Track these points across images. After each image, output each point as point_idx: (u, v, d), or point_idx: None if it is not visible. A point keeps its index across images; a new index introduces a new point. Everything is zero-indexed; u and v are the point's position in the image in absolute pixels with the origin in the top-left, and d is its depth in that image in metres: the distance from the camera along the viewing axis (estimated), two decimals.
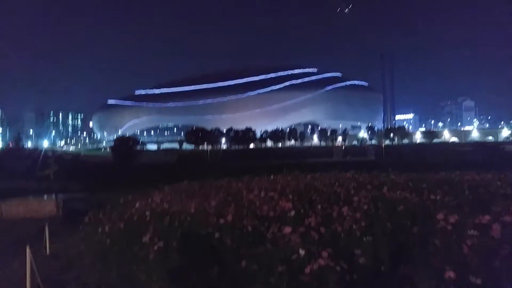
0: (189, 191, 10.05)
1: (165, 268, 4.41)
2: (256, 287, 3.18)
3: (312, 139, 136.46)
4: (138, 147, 61.98)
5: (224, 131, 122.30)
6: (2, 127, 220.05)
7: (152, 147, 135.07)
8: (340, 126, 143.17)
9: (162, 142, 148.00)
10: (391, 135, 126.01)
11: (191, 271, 4.18)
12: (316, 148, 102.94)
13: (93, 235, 7.07)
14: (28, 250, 5.78)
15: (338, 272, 3.04)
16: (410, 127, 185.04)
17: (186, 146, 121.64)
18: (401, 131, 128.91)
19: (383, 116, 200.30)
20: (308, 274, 2.95)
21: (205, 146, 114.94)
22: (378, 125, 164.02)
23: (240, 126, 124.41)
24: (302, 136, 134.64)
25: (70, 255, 7.45)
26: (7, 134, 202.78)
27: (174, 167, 44.14)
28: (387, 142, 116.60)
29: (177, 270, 4.33)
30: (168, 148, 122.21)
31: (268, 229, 4.34)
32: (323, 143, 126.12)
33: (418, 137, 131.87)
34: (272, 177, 12.76)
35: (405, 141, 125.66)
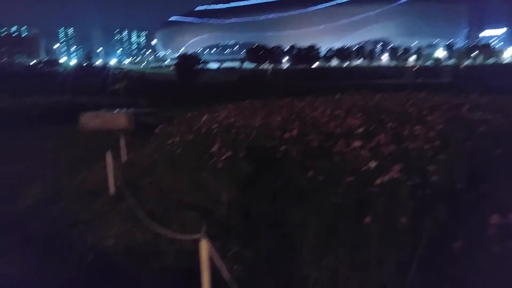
0: (252, 108, 10.23)
1: (232, 176, 4.71)
2: (322, 195, 3.29)
3: (381, 58, 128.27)
4: (200, 66, 62.93)
5: (286, 49, 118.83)
6: (74, 45, 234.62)
7: (213, 65, 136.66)
8: (415, 44, 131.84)
9: (223, 61, 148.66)
10: (474, 54, 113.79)
11: (258, 179, 4.42)
12: (385, 68, 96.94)
13: (164, 146, 7.65)
14: (109, 155, 6.46)
15: (409, 186, 3.02)
16: (501, 44, 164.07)
17: (247, 65, 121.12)
18: (486, 50, 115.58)
19: (467, 32, 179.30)
20: (378, 186, 2.97)
21: (266, 65, 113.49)
22: (460, 42, 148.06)
23: (304, 43, 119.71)
24: (371, 55, 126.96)
25: (143, 163, 8.20)
26: (79, 52, 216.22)
27: (236, 86, 44.70)
28: (469, 61, 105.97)
29: (244, 178, 4.61)
30: (229, 66, 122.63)
31: (335, 145, 4.34)
32: (393, 63, 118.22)
33: (507, 56, 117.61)
34: (337, 96, 12.46)
35: (491, 60, 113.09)
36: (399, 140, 4.59)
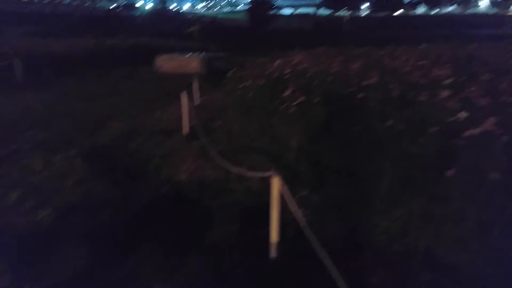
0: (327, 55, 9.88)
1: (304, 122, 4.69)
2: (401, 146, 3.17)
3: (478, 5, 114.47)
4: (273, 11, 61.44)
5: None
6: None
7: (287, 11, 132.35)
8: None
9: (298, 7, 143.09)
10: None
11: (331, 126, 4.36)
12: (483, 16, 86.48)
13: (236, 90, 7.79)
14: (184, 96, 6.75)
15: (503, 142, 2.77)
16: None
17: (323, 11, 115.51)
18: None
19: None
20: (466, 139, 2.77)
21: (344, 12, 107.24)
22: None
23: None
24: (466, 1, 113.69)
25: (215, 107, 8.47)
26: None
27: (310, 33, 43.21)
28: None
29: (316, 124, 4.57)
30: (303, 13, 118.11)
31: (418, 95, 4.08)
32: (493, 11, 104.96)
33: None
34: (422, 46, 11.50)
35: None
36: (494, 94, 4.17)
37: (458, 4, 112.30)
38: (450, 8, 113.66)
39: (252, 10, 60.90)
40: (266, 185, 4.61)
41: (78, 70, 14.93)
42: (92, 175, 4.95)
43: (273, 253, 3.13)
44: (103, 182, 4.75)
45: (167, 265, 3.40)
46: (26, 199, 4.40)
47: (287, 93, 5.02)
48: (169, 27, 39.95)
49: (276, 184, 2.87)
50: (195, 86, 9.25)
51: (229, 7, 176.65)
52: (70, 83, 12.96)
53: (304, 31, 46.73)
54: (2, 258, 3.27)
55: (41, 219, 4.01)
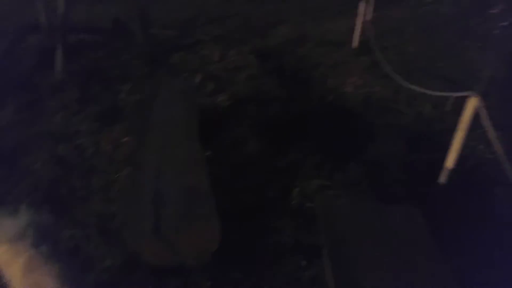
0: None
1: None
2: None
3: None
4: None
5: None
6: None
7: None
8: None
9: None
10: None
11: None
12: None
13: (416, 9, 7.06)
14: (362, 6, 6.42)
15: None
16: None
17: None
18: None
19: None
20: None
21: None
22: None
23: None
24: None
25: (390, 23, 7.88)
26: None
27: None
28: None
29: None
30: None
31: None
32: None
33: None
34: None
35: None
36: None
37: None
38: None
39: None
40: (439, 113, 4.34)
41: None
42: (262, 72, 5.31)
43: (443, 178, 3.03)
44: (272, 80, 5.07)
45: (326, 165, 3.61)
46: (207, 83, 5.02)
47: (494, 10, 4.33)
48: None
49: (471, 105, 2.65)
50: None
51: None
52: None
53: None
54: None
55: (219, 102, 4.57)
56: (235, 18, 8.53)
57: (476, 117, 2.77)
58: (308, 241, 2.89)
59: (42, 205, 3.24)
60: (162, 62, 5.68)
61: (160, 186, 2.66)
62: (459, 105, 2.97)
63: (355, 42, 6.52)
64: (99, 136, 4.06)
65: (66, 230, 2.86)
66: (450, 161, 2.91)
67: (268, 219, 3.08)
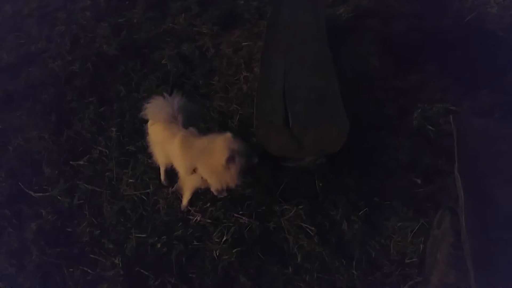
0: None
1: None
2: None
3: None
4: None
5: None
6: None
7: None
8: None
9: None
10: None
11: None
12: None
13: None
14: None
15: None
16: None
17: None
18: None
19: None
20: None
21: None
22: None
23: None
24: None
25: None
26: None
27: None
28: None
29: None
30: None
31: None
32: None
33: None
34: None
35: None
36: None
37: None
38: None
39: None
40: None
41: None
42: None
43: None
44: None
45: (453, 90, 3.48)
46: None
47: None
48: None
49: None
50: None
51: None
52: None
53: None
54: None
55: (341, 13, 4.46)
56: None
57: None
58: (425, 161, 2.93)
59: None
60: None
61: (290, 84, 2.81)
62: None
63: None
64: (219, 39, 4.31)
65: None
66: None
67: (385, 135, 3.14)
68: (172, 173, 2.80)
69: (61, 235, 2.78)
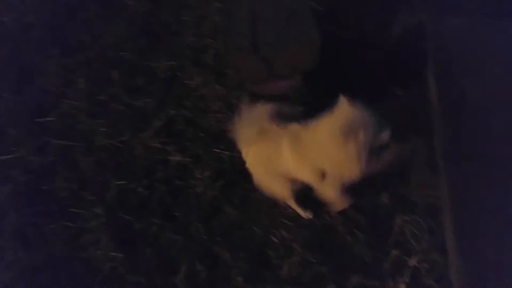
0: None
1: None
2: None
3: None
4: None
5: None
6: None
7: None
8: None
9: None
10: None
11: None
12: None
13: None
14: None
15: None
16: None
17: None
18: None
19: None
20: None
21: None
22: None
23: None
24: None
25: None
26: None
27: None
28: None
29: None
30: None
31: None
32: None
33: None
34: None
35: None
36: None
37: None
38: None
39: None
40: None
41: None
42: None
43: None
44: None
45: None
46: None
47: None
48: None
49: None
50: None
51: None
52: None
53: None
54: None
55: None
56: None
57: None
58: (405, 72, 2.82)
59: (138, 39, 3.52)
60: None
61: (257, 5, 2.66)
62: None
63: None
64: None
65: None
66: None
67: (365, 51, 3.01)
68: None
69: (37, 195, 2.69)
